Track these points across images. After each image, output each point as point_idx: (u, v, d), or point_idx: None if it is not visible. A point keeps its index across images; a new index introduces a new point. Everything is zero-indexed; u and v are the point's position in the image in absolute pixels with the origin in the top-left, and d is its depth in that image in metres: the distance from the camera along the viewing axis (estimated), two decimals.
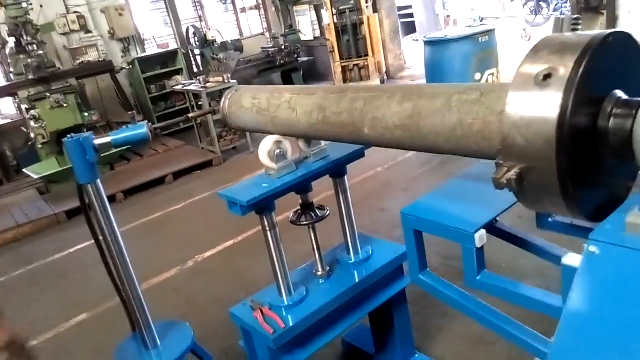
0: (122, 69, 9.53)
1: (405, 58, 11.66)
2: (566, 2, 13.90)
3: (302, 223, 2.48)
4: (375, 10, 10.20)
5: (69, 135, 2.19)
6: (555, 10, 14.21)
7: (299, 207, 2.53)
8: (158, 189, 7.32)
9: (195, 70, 10.55)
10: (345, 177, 2.59)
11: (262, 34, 11.40)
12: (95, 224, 2.36)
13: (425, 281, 1.66)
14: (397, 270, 2.73)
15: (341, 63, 9.82)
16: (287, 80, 10.73)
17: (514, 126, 1.19)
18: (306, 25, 11.22)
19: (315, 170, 2.35)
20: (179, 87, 8.73)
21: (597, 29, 7.97)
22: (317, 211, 2.50)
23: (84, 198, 2.30)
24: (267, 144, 2.28)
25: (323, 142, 2.45)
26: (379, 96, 1.74)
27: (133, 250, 5.34)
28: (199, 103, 8.08)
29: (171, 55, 10.34)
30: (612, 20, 7.50)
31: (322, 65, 10.96)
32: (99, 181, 2.23)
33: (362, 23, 9.70)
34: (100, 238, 2.39)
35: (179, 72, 10.28)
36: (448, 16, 17.01)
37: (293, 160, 2.36)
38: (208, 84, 7.83)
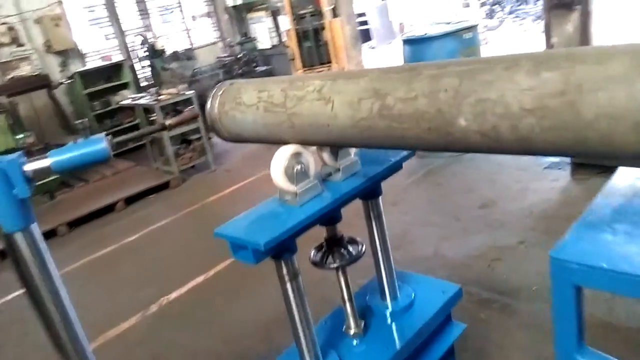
0: (60, 84, 8.53)
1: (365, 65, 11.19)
2: (520, 4, 13.97)
3: (331, 266, 1.79)
4: (334, 15, 9.67)
5: None
6: (510, 13, 14.26)
7: (323, 243, 1.84)
8: (108, 218, 6.39)
9: (145, 83, 9.66)
10: (380, 197, 1.93)
11: (216, 42, 10.64)
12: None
13: None
14: (447, 317, 2.09)
15: (304, 71, 9.20)
16: None
17: None
18: (262, 32, 10.56)
19: (348, 192, 1.67)
20: (127, 102, 7.84)
21: (570, 26, 7.73)
22: (348, 247, 1.82)
23: (13, 249, 1.52)
24: (282, 157, 1.59)
25: (352, 151, 1.78)
26: (486, 68, 1.11)
27: (82, 294, 4.48)
28: (151, 118, 7.23)
29: (116, 68, 9.41)
30: (586, 17, 7.25)
31: (282, 74, 10.33)
32: (34, 226, 1.46)
33: (323, 28, 9.12)
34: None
35: (125, 85, 9.35)
36: (401, 23, 16.89)
37: (317, 179, 1.68)
38: (161, 97, 7.01)
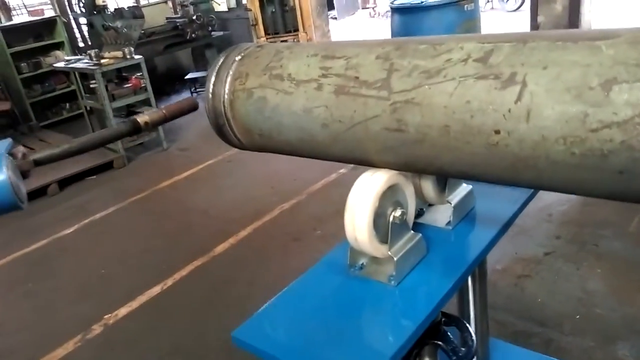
0: None
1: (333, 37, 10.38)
2: None
3: None
4: None
5: None
6: None
7: None
8: (38, 204, 5.33)
9: (82, 44, 8.42)
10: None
11: (165, 1, 9.46)
12: None
13: None
14: None
15: (267, 38, 8.28)
16: (198, 58, 8.95)
17: None
18: None
19: (477, 254, 0.95)
20: (60, 65, 6.67)
21: (559, 5, 7.22)
22: (449, 338, 1.09)
23: None
24: (370, 194, 0.83)
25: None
26: None
27: (2, 305, 3.58)
28: (91, 85, 6.14)
29: (48, 25, 8.10)
30: None
31: (239, 41, 9.28)
32: None
33: None
34: None
35: (58, 46, 8.09)
36: None
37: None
38: (103, 60, 5.94)
